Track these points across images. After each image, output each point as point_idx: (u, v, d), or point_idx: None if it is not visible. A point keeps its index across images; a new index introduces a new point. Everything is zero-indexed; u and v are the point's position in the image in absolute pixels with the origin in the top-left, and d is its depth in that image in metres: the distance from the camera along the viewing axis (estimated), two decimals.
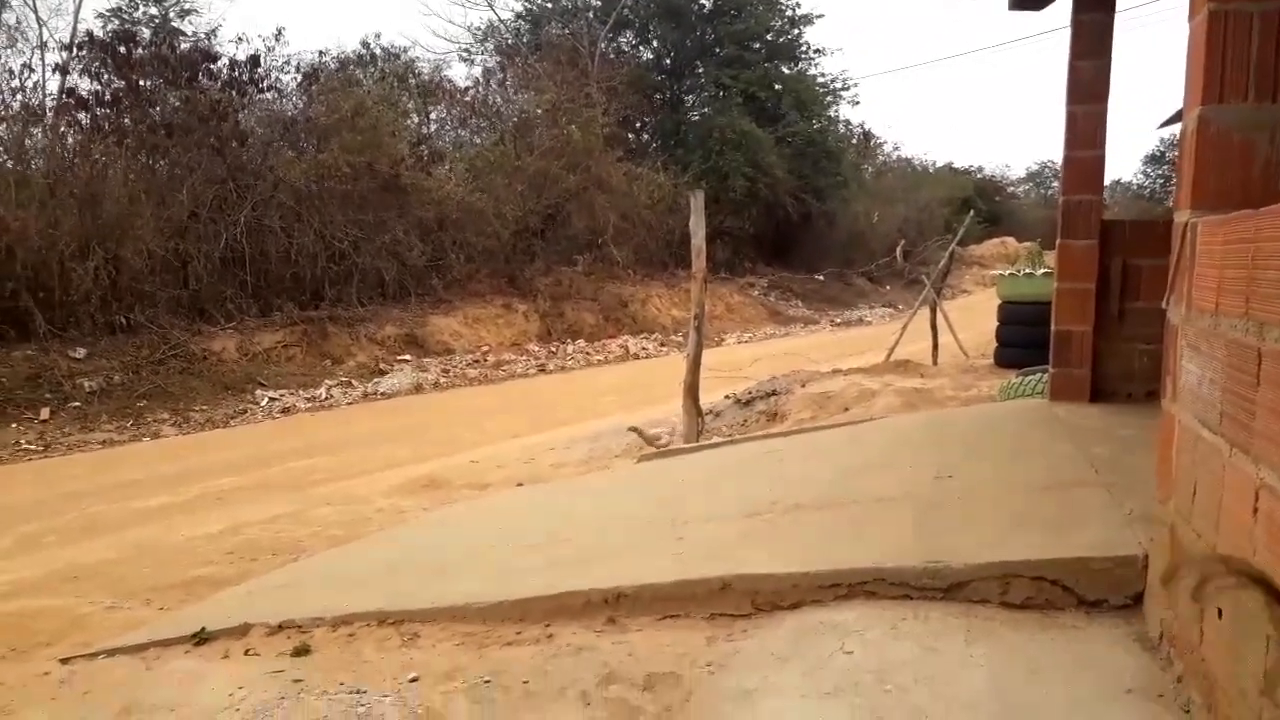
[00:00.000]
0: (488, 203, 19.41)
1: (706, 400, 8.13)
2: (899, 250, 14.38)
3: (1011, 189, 52.49)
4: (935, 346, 11.74)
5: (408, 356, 16.19)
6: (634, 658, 2.67)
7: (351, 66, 19.15)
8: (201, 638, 3.48)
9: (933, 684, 2.21)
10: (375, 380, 14.76)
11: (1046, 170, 53.34)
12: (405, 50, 20.99)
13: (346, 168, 16.32)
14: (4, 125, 13.58)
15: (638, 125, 29.49)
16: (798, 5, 30.16)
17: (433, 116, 21.57)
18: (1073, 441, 4.07)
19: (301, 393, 13.66)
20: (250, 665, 3.03)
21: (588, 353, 18.66)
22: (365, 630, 3.27)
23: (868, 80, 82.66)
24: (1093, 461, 3.66)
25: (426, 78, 21.02)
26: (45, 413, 11.37)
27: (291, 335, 15.11)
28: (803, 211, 28.95)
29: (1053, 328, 5.08)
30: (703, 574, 2.97)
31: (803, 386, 8.68)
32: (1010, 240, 38.97)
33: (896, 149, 41.72)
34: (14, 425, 11.02)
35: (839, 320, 25.64)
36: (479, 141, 22.01)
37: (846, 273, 29.58)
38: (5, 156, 13.39)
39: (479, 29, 28.43)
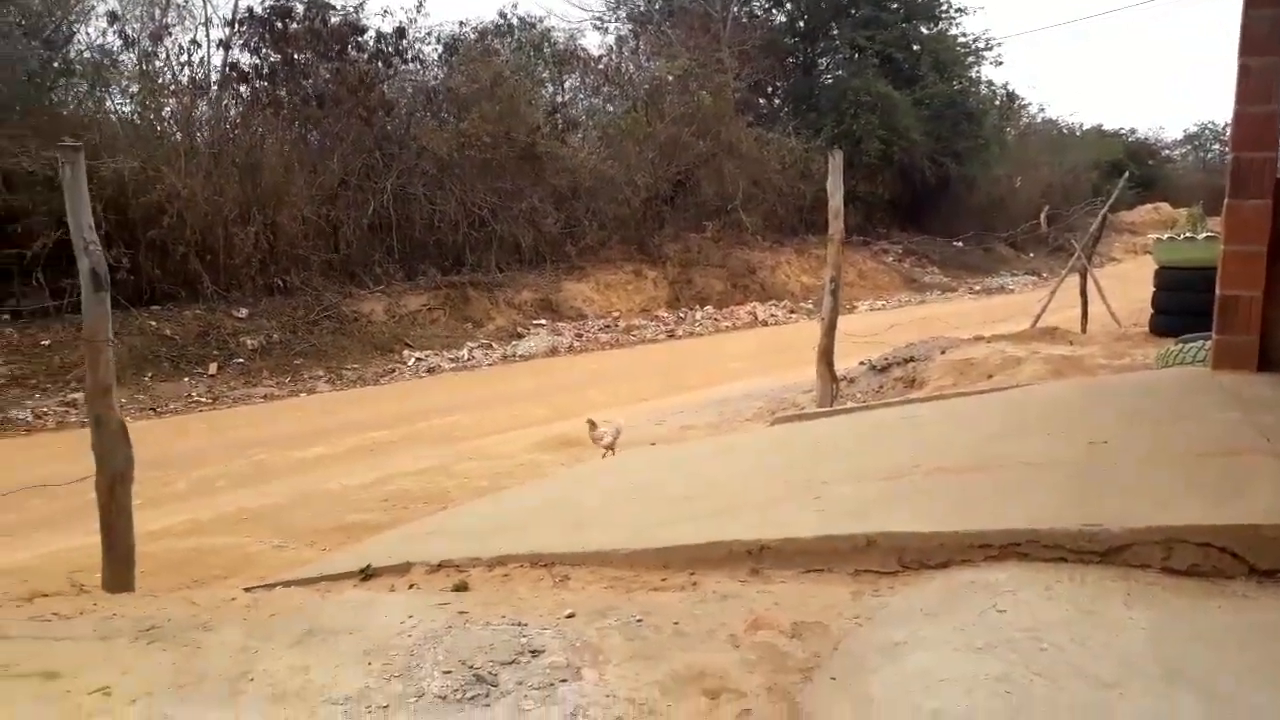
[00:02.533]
0: (619, 170, 19.59)
1: (840, 367, 8.05)
2: (1043, 216, 13.71)
3: (1166, 152, 49.08)
4: (1085, 314, 11.22)
5: (543, 321, 16.63)
6: (780, 606, 2.73)
7: (490, 37, 19.57)
8: (367, 574, 3.74)
9: (1090, 644, 2.18)
10: (513, 343, 15.25)
11: (1207, 132, 49.62)
12: (541, 20, 21.36)
13: (486, 137, 16.80)
14: (175, 99, 14.53)
15: (769, 90, 29.04)
16: None
17: (567, 85, 21.85)
18: (1239, 409, 3.87)
19: (445, 354, 14.26)
20: (416, 597, 3.25)
21: (716, 319, 18.69)
22: (519, 571, 3.45)
23: (1012, 39, 78.54)
24: (1263, 430, 3.48)
25: (561, 47, 21.29)
26: (213, 368, 12.28)
27: (435, 299, 15.76)
28: (940, 175, 27.98)
29: (1218, 293, 4.79)
30: (847, 530, 2.99)
31: (942, 353, 8.46)
32: (1165, 206, 36.58)
33: (1041, 110, 39.64)
34: (186, 379, 11.94)
35: (978, 288, 24.75)
36: (611, 109, 22.17)
37: (987, 238, 28.46)
38: (175, 128, 14.33)
39: None
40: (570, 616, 2.81)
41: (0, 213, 11.58)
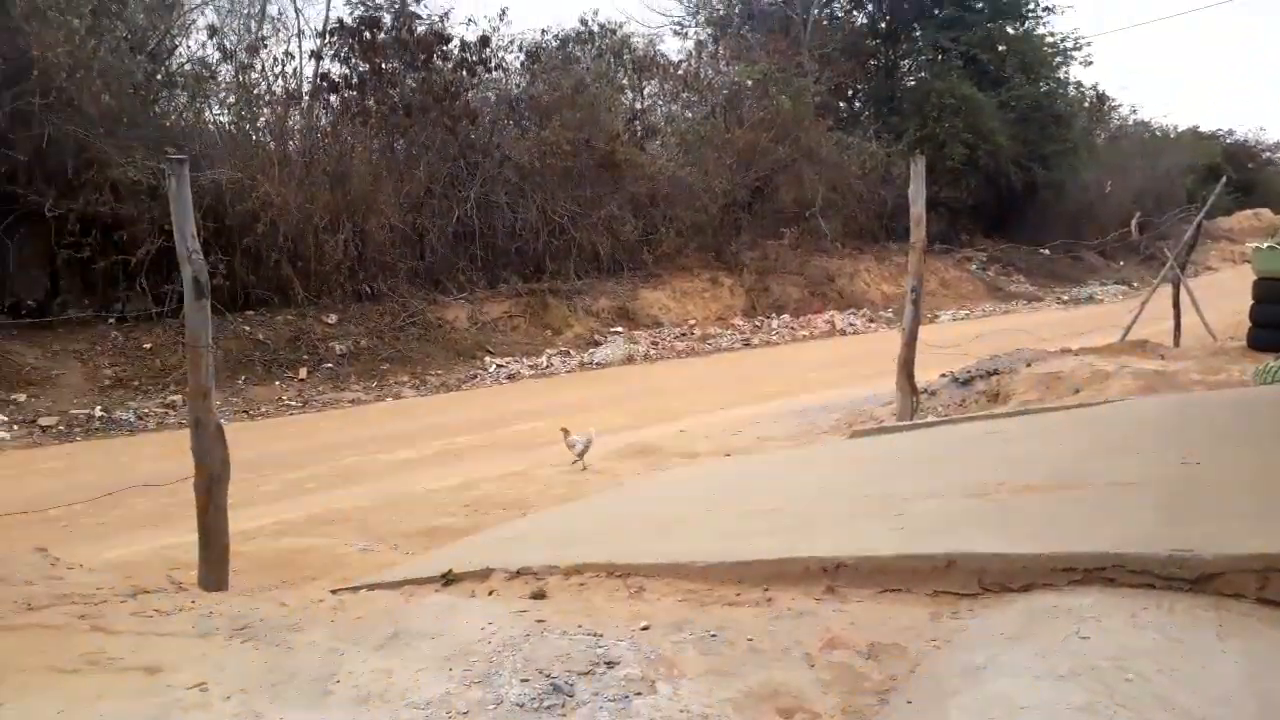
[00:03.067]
0: (697, 177, 19.61)
1: (921, 379, 7.91)
2: (1135, 223, 13.22)
3: (1267, 155, 46.72)
4: (1177, 327, 10.80)
5: (620, 328, 16.74)
6: (856, 626, 2.72)
7: (571, 44, 19.80)
8: (449, 579, 3.83)
9: (1178, 676, 2.12)
10: (590, 350, 15.40)
11: None
12: (621, 25, 21.46)
13: (566, 144, 17.00)
14: (269, 109, 15.09)
15: (850, 93, 28.71)
16: None
17: (646, 91, 21.95)
18: None
19: (525, 360, 14.49)
20: (496, 604, 3.32)
21: (793, 327, 18.54)
22: (595, 580, 3.49)
23: (1103, 38, 76.06)
24: None
25: (640, 53, 21.39)
26: (303, 372, 12.70)
27: (516, 306, 16.04)
28: (1027, 181, 27.27)
29: None
30: (926, 549, 2.96)
31: (1028, 366, 8.25)
32: (1265, 212, 34.92)
33: (1133, 112, 38.16)
34: (277, 383, 12.38)
35: (1066, 297, 24.03)
36: (690, 115, 22.19)
37: (1075, 247, 27.59)
38: (269, 138, 14.87)
39: (691, 2, 28.57)
40: (645, 629, 2.84)
41: (108, 220, 12.17)
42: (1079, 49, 29.63)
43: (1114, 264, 28.06)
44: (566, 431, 7.64)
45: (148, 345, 12.09)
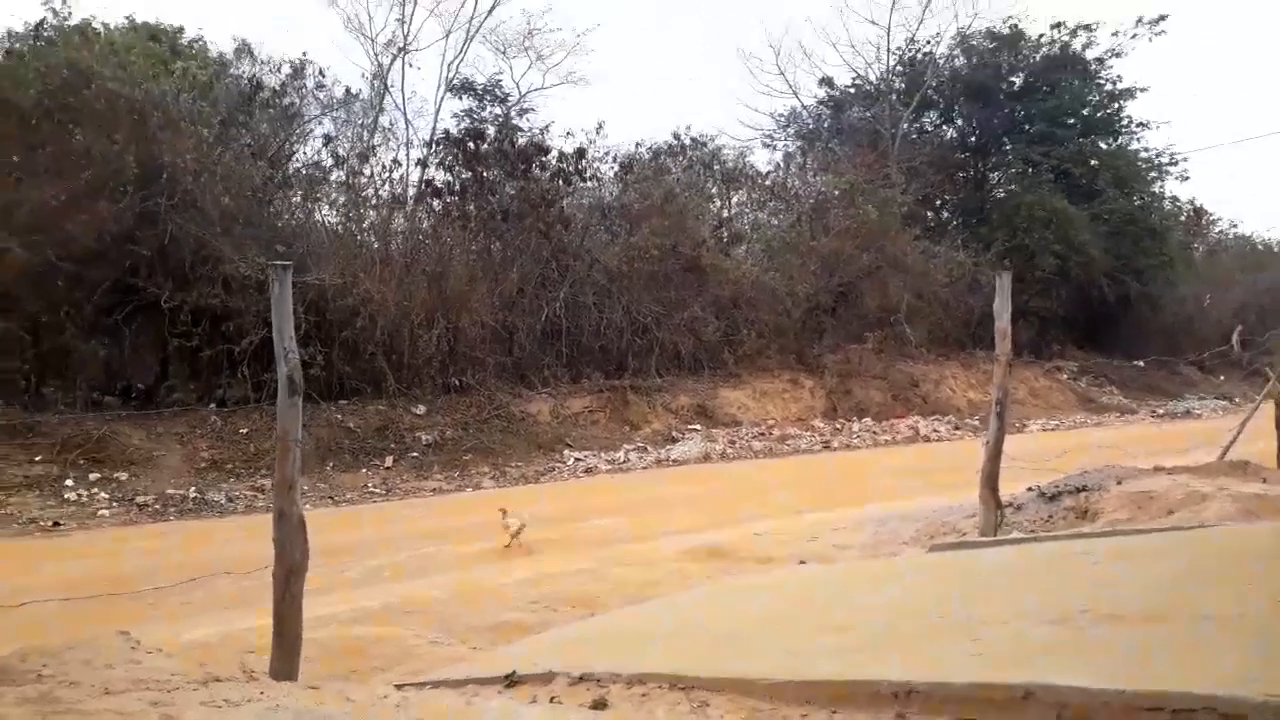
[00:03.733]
0: (781, 281, 19.81)
1: (1006, 492, 7.67)
2: (1236, 337, 12.75)
3: None
4: None
5: (698, 426, 16.74)
6: None
7: (663, 156, 20.50)
8: (512, 680, 3.81)
9: None
10: (668, 447, 15.41)
11: None
12: (712, 139, 22.18)
13: (654, 250, 17.49)
14: (375, 211, 15.96)
15: (938, 203, 28.81)
16: (1119, 79, 28.29)
17: (734, 200, 22.47)
18: None
19: (603, 455, 14.57)
20: (555, 714, 3.29)
21: (874, 432, 18.22)
22: (658, 692, 3.43)
23: (1200, 154, 74.63)
24: None
25: (730, 164, 22.01)
26: (389, 460, 13.03)
27: (597, 401, 16.26)
28: (1120, 293, 26.67)
29: None
30: (1003, 679, 2.83)
31: (1118, 484, 7.91)
32: None
33: (1234, 226, 37.09)
34: (364, 470, 12.71)
35: (1161, 411, 23.10)
36: (776, 223, 22.55)
37: (1172, 360, 26.65)
38: (373, 238, 15.67)
39: (782, 115, 29.31)
40: None
41: (218, 311, 12.90)
42: (1174, 164, 29.26)
43: (1213, 379, 26.94)
44: (504, 511, 7.64)
45: (244, 430, 12.61)
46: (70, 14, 14.12)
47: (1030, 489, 8.63)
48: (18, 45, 13.73)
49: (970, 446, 14.33)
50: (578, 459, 14.33)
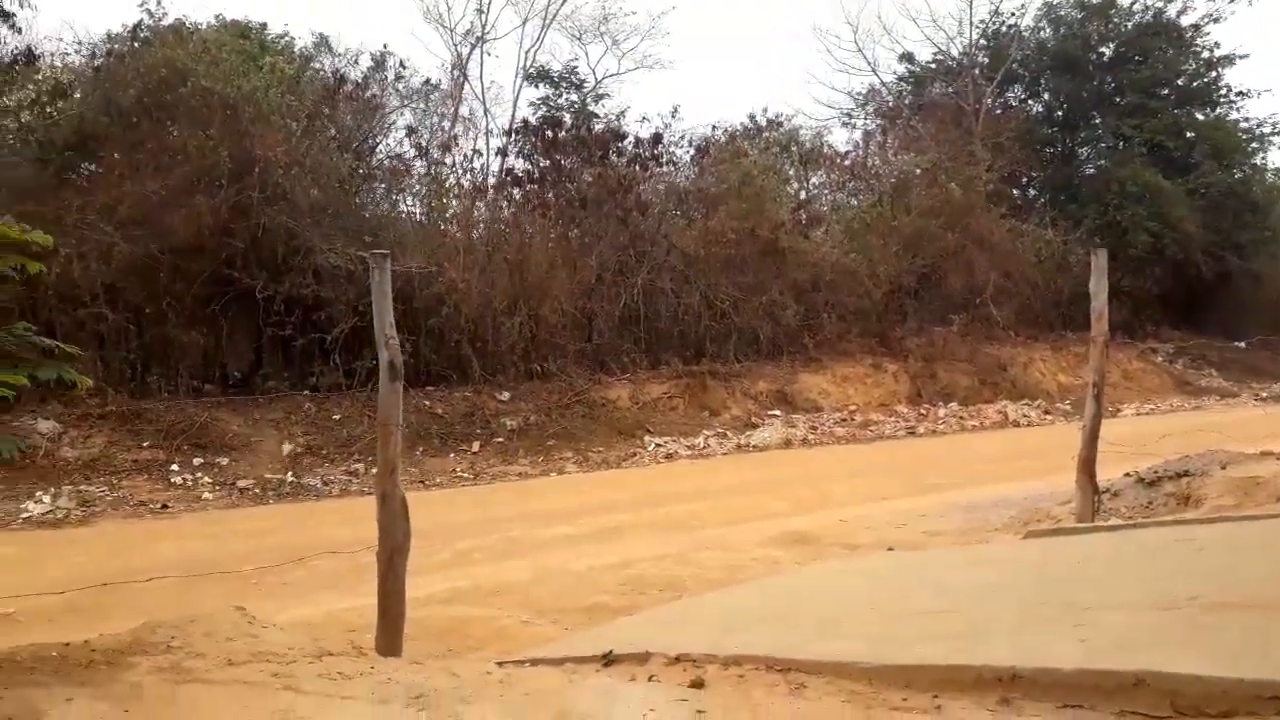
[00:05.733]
0: (861, 263, 19.51)
1: (1103, 477, 7.46)
2: None
3: None
4: None
5: (778, 412, 16.65)
6: None
7: (739, 139, 20.35)
8: (609, 659, 3.89)
9: None
10: (748, 433, 15.37)
11: None
12: (789, 119, 21.94)
13: (731, 233, 17.41)
14: (457, 201, 16.26)
15: (1024, 181, 27.99)
16: (1216, 46, 26.99)
17: (812, 181, 22.20)
18: None
19: (682, 440, 14.63)
20: (655, 691, 3.34)
21: (961, 417, 17.86)
22: (754, 673, 3.46)
23: None
24: None
25: (808, 145, 21.73)
26: (476, 445, 13.33)
27: (676, 387, 16.30)
28: (1219, 270, 25.56)
29: None
30: (1112, 666, 2.79)
31: (1222, 469, 7.62)
32: None
33: None
34: (452, 455, 13.01)
35: (1265, 394, 22.06)
36: (855, 203, 22.21)
37: (1277, 340, 25.44)
38: (456, 228, 15.97)
39: (860, 94, 28.78)
40: None
41: (309, 301, 13.32)
42: (1278, 134, 27.83)
43: None
44: None
45: (336, 416, 13.02)
46: (164, 14, 14.70)
47: (1128, 475, 8.38)
48: (118, 47, 14.34)
49: (1062, 431, 13.97)
50: (658, 445, 14.41)
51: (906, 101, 27.73)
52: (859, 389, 18.41)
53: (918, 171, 21.55)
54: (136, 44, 14.24)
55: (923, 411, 18.04)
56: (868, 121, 27.54)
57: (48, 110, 13.58)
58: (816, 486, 11.02)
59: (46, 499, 10.18)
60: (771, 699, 3.19)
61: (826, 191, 22.63)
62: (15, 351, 3.60)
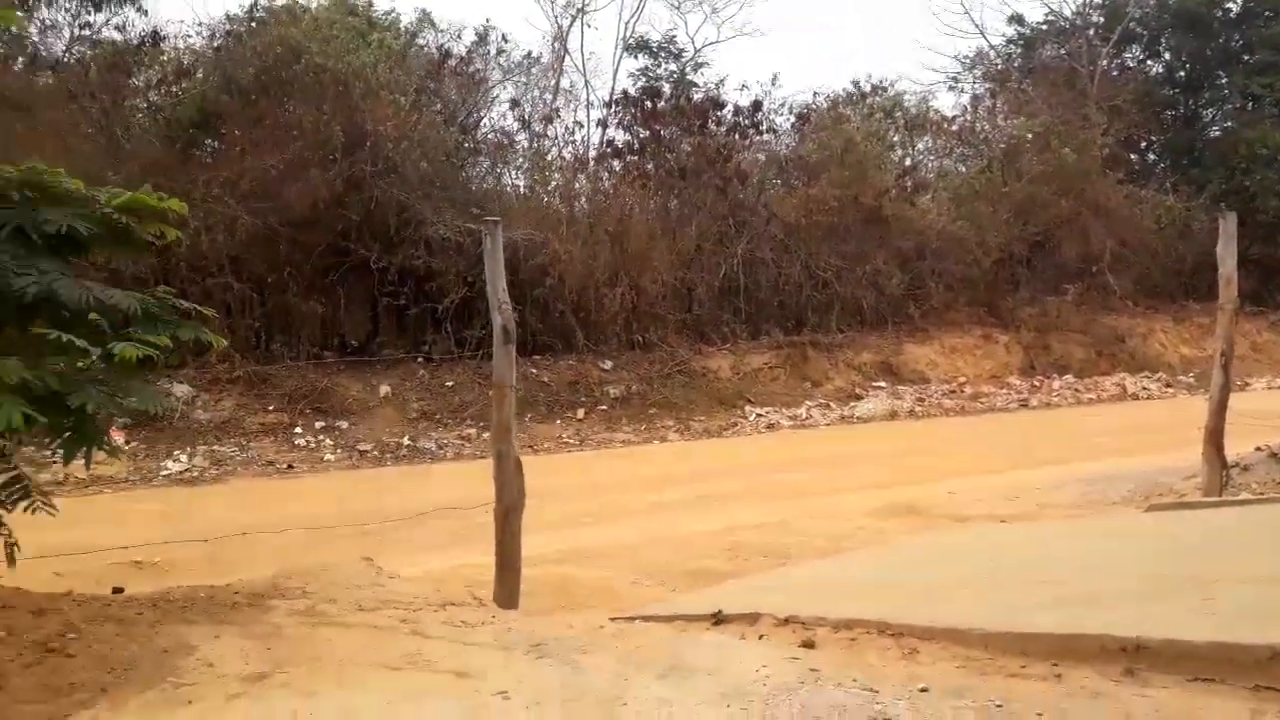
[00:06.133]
0: (970, 231, 18.93)
1: (1232, 451, 7.13)
2: None
3: None
4: None
5: (882, 383, 16.41)
6: (1161, 714, 2.54)
7: (841, 105, 19.93)
8: (718, 619, 3.95)
9: None
10: (851, 404, 15.22)
11: None
12: (893, 84, 21.37)
13: (833, 201, 17.12)
14: (559, 174, 16.44)
15: (1142, 145, 26.59)
16: None
17: (918, 147, 21.60)
18: None
19: (784, 411, 14.59)
20: (767, 648, 3.40)
21: (1076, 389, 17.28)
22: (866, 637, 3.47)
23: None
24: None
25: (913, 110, 21.12)
26: (580, 413, 13.63)
27: (777, 358, 16.22)
28: None
29: None
30: (1247, 639, 2.70)
31: None
32: None
33: None
34: (558, 422, 13.32)
35: None
36: (963, 169, 21.52)
37: None
38: (558, 199, 16.17)
39: (967, 57, 27.75)
40: (924, 690, 2.80)
41: (421, 272, 13.75)
42: None
43: None
44: None
45: (449, 383, 13.46)
46: None
47: (1260, 449, 7.99)
48: (236, 27, 14.94)
49: (1185, 405, 13.39)
50: (759, 415, 14.40)
51: (1016, 64, 26.61)
52: (968, 360, 17.97)
53: (1029, 136, 20.71)
54: (253, 23, 14.80)
55: (1035, 384, 17.52)
56: (975, 85, 26.57)
57: (173, 90, 14.26)
58: (923, 458, 10.86)
59: (183, 458, 10.85)
60: (884, 662, 3.20)
61: (932, 158, 21.98)
62: (158, 314, 3.82)
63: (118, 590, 4.20)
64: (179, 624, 3.50)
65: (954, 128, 21.78)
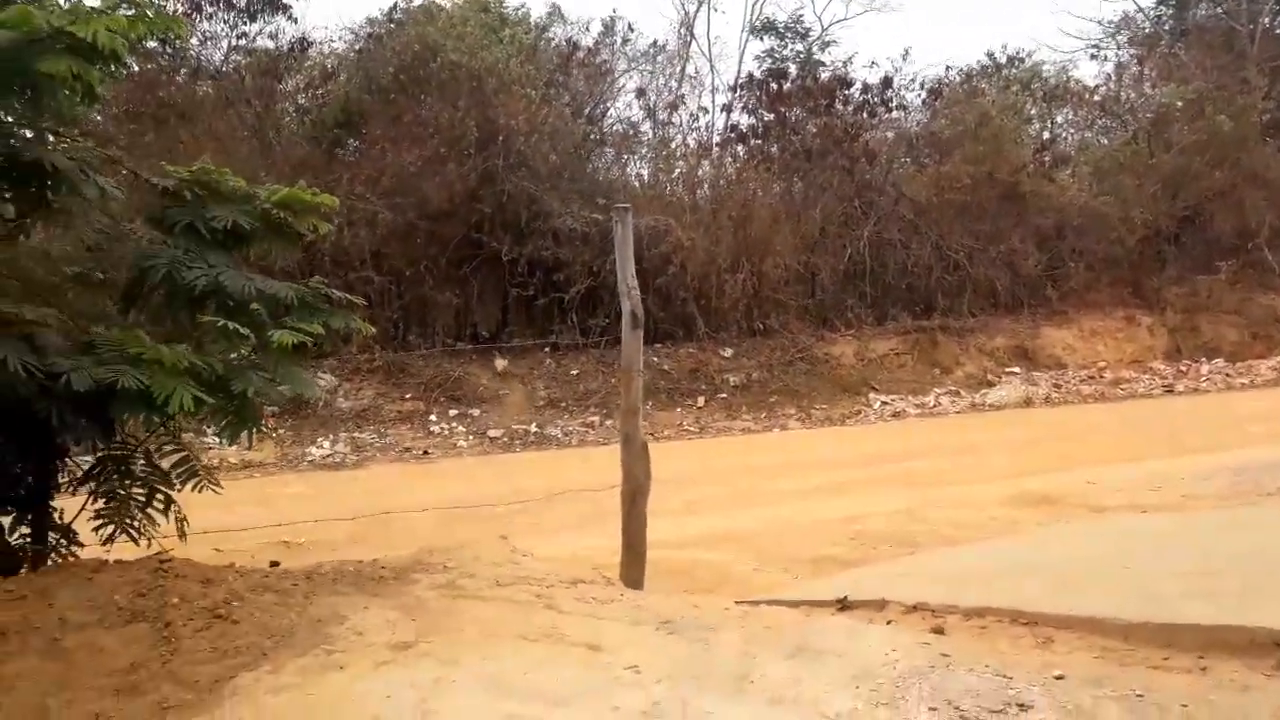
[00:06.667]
0: (1113, 206, 17.96)
1: None
2: None
3: None
4: None
5: (1016, 369, 15.83)
6: None
7: (975, 78, 19.22)
8: (844, 604, 3.96)
9: None
10: (983, 391, 14.74)
11: None
12: (1030, 54, 20.44)
13: (966, 179, 16.57)
14: (683, 161, 16.51)
15: None
16: None
17: (1057, 120, 20.61)
18: None
19: (911, 398, 14.26)
20: (896, 633, 3.39)
21: (1228, 374, 16.23)
22: (998, 625, 3.43)
23: None
24: None
25: (1052, 81, 20.15)
26: (701, 401, 13.70)
27: (904, 344, 15.85)
28: None
29: None
30: None
31: None
32: None
33: None
34: (678, 409, 13.43)
35: None
36: (1106, 141, 20.41)
37: None
38: (682, 187, 16.25)
39: (1111, 22, 26.21)
40: (1060, 678, 2.76)
41: (549, 263, 14.11)
42: None
43: None
44: None
45: (574, 371, 13.78)
46: None
47: None
48: (376, 29, 15.60)
49: None
50: (884, 402, 14.13)
51: (1166, 27, 24.96)
52: (1109, 344, 17.11)
53: (1179, 104, 19.44)
54: (392, 24, 15.42)
55: (1182, 368, 16.54)
56: (1120, 52, 25.09)
57: (318, 92, 15.04)
58: (1060, 446, 10.46)
59: (326, 444, 11.51)
60: (1017, 650, 3.17)
61: (1073, 130, 20.93)
62: (312, 303, 4.10)
63: (274, 564, 4.53)
64: (330, 595, 3.75)
65: (1096, 98, 20.67)
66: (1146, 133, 19.59)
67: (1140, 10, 25.90)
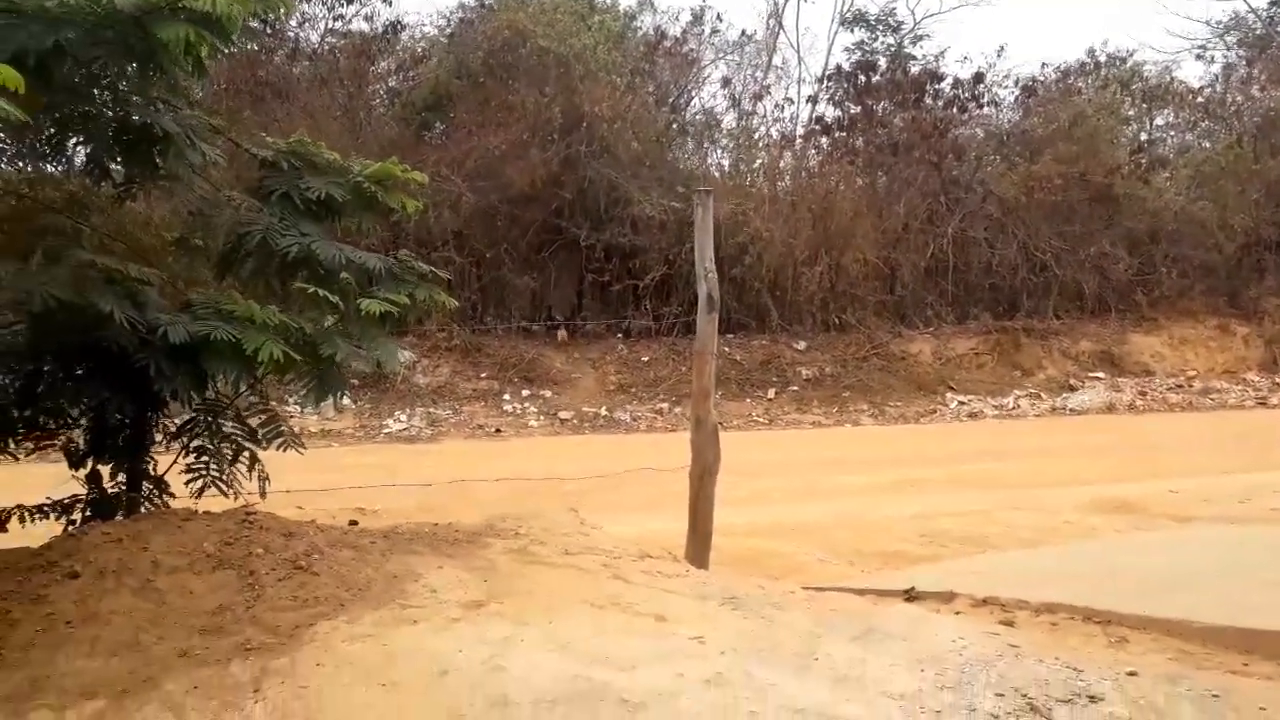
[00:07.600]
0: (1212, 212, 17.30)
1: None
2: None
3: None
4: None
5: (1100, 374, 15.39)
6: None
7: (1072, 76, 18.67)
8: (911, 595, 3.93)
9: None
10: (1064, 395, 14.39)
11: None
12: (1131, 54, 19.76)
13: (1058, 178, 16.14)
14: (765, 152, 16.44)
15: None
16: None
17: (1156, 122, 19.89)
18: None
19: (989, 400, 13.99)
20: (964, 622, 3.37)
21: None
22: (1069, 622, 3.37)
23: None
24: None
25: (1153, 81, 19.45)
26: (771, 393, 13.65)
27: (984, 344, 15.54)
28: None
29: None
30: None
31: None
32: None
33: None
34: (748, 400, 13.42)
35: None
36: (1208, 145, 19.62)
37: None
38: (762, 178, 16.17)
39: (1219, 22, 25.11)
40: (1132, 674, 2.71)
41: (626, 250, 14.22)
42: None
43: None
44: None
45: (645, 358, 13.86)
46: None
47: None
48: (468, 14, 15.87)
49: None
50: (961, 402, 13.87)
51: (1279, 29, 23.83)
52: (1200, 353, 16.51)
53: None
54: (484, 9, 15.65)
55: (1278, 381, 15.87)
56: (1228, 53, 24.04)
57: (409, 74, 15.37)
58: (1143, 454, 10.13)
59: (403, 418, 11.81)
60: (1089, 646, 3.11)
61: (1173, 132, 20.18)
62: (399, 274, 4.21)
63: (353, 523, 4.68)
64: (406, 554, 3.86)
65: (1200, 99, 19.89)
66: (1252, 137, 18.82)
67: (1252, 10, 24.79)
